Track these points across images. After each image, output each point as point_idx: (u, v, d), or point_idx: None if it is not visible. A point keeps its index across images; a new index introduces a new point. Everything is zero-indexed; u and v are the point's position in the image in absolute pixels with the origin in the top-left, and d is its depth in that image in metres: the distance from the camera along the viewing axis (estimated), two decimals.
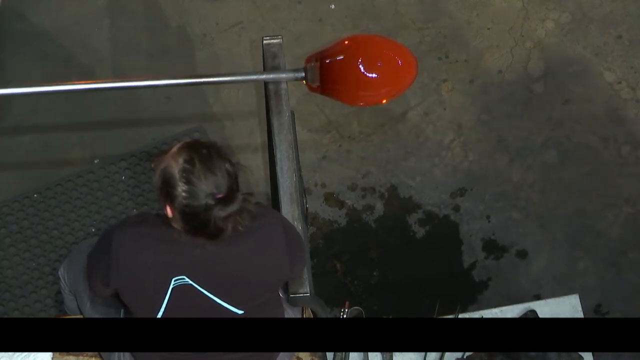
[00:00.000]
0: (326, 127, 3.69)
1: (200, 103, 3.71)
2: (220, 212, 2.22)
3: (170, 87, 2.80)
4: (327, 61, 2.65)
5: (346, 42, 2.67)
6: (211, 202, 2.21)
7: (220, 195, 2.22)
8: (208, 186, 2.22)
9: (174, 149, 2.27)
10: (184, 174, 2.23)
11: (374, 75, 2.61)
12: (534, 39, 3.82)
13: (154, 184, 2.30)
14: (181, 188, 2.23)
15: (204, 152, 2.25)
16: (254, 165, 3.65)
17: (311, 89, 2.72)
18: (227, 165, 2.25)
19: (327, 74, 2.65)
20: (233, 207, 2.23)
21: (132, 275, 2.38)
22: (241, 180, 2.30)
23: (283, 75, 2.72)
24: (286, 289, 2.59)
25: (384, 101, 2.72)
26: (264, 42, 2.80)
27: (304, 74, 2.69)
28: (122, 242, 2.37)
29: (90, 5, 3.85)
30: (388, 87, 2.67)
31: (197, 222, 2.25)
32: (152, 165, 2.31)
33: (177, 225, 2.31)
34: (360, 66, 2.60)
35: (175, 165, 2.24)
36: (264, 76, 2.74)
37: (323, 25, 3.84)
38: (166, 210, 2.30)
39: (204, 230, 2.27)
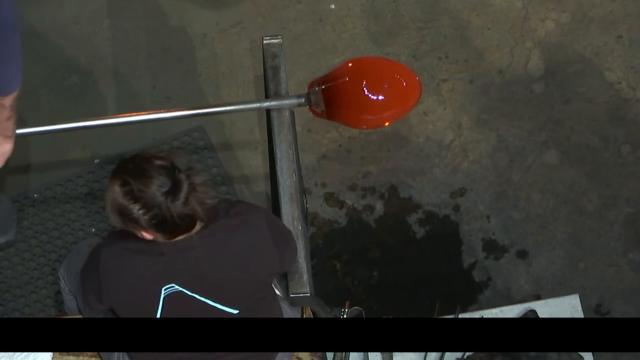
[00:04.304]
0: (326, 127, 3.69)
1: (200, 102, 3.71)
2: (176, 203, 2.24)
3: (174, 119, 2.79)
4: (331, 85, 2.64)
5: (350, 65, 2.66)
6: (162, 199, 2.23)
7: (165, 190, 2.23)
8: (154, 190, 2.23)
9: (108, 185, 2.29)
10: (128, 196, 2.24)
11: (379, 97, 2.60)
12: (534, 39, 3.82)
13: (117, 224, 2.31)
14: (136, 208, 2.24)
15: (131, 167, 2.27)
16: (253, 165, 3.65)
17: (315, 114, 2.71)
18: (158, 162, 2.25)
19: (331, 98, 2.64)
20: (183, 192, 2.24)
21: (123, 291, 2.40)
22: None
23: (286, 102, 2.71)
24: (286, 289, 2.59)
25: (387, 124, 2.71)
26: (264, 42, 2.80)
27: (307, 100, 2.69)
28: (109, 259, 2.39)
29: (90, 5, 3.85)
30: (393, 109, 2.65)
31: (169, 224, 2.27)
32: (106, 212, 2.33)
33: (161, 239, 2.32)
34: (365, 89, 2.59)
35: (117, 195, 2.26)
36: (266, 104, 2.73)
37: (323, 25, 3.84)
38: (144, 235, 2.32)
39: (179, 227, 2.29)
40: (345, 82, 2.62)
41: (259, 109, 2.79)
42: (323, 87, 2.64)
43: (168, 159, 2.27)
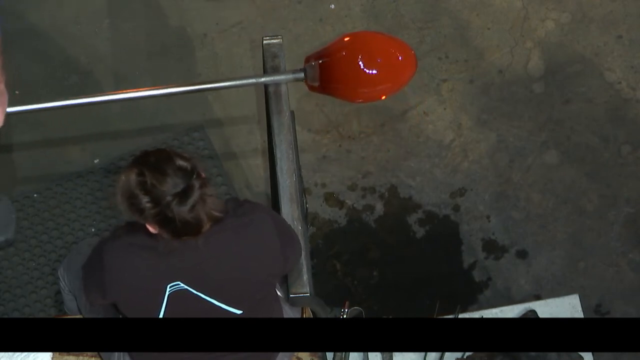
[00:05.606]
0: (326, 127, 3.69)
1: (200, 101, 3.71)
2: (182, 208, 2.23)
3: (169, 95, 2.80)
4: (327, 59, 2.65)
5: (345, 39, 2.68)
6: (170, 199, 2.22)
7: (176, 192, 2.23)
8: (166, 188, 2.23)
9: (125, 169, 2.30)
10: (140, 187, 2.24)
11: (374, 71, 2.61)
12: (534, 39, 3.82)
13: (122, 210, 2.31)
14: (145, 200, 2.24)
15: (152, 160, 2.27)
16: (253, 165, 3.65)
17: (311, 88, 2.72)
18: (180, 162, 2.26)
19: (327, 73, 2.65)
20: (192, 198, 2.24)
21: (127, 288, 2.39)
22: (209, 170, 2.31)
23: (283, 77, 2.72)
24: (286, 289, 2.59)
25: (384, 97, 2.73)
26: (264, 42, 2.80)
27: (303, 74, 2.69)
28: (113, 256, 2.38)
29: (90, 4, 3.85)
30: (388, 83, 2.67)
31: (173, 224, 2.27)
32: (112, 200, 2.33)
33: (164, 236, 2.32)
34: (360, 63, 2.60)
35: (131, 182, 2.26)
36: (263, 79, 2.74)
37: (323, 25, 3.84)
38: (149, 228, 2.32)
39: (183, 229, 2.28)
40: (342, 56, 2.63)
41: (255, 84, 2.80)
42: (319, 61, 2.65)
43: (190, 162, 2.27)
